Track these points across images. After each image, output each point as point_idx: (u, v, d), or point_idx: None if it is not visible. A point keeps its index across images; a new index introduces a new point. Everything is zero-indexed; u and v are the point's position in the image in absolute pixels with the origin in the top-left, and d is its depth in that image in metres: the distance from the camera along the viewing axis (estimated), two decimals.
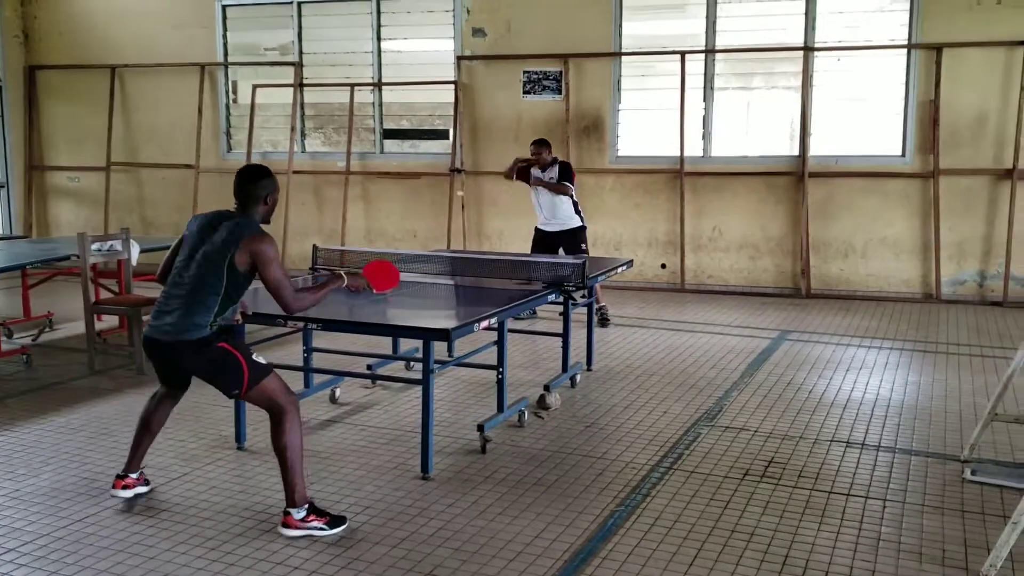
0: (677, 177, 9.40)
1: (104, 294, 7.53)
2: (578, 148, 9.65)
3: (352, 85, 10.31)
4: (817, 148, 9.07)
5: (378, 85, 10.37)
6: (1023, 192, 8.48)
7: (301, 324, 4.30)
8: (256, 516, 3.76)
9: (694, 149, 9.43)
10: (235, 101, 11.03)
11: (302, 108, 10.73)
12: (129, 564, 3.34)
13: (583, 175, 7.67)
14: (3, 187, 11.29)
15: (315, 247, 5.61)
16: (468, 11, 9.85)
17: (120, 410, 5.26)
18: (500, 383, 4.81)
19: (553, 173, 7.48)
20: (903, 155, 8.88)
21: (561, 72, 9.62)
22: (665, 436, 4.78)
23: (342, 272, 3.95)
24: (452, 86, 10.00)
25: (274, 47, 10.97)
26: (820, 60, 9.04)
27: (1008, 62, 8.43)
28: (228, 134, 11.02)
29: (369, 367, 5.75)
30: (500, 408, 4.84)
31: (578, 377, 5.85)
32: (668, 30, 9.90)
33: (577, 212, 7.57)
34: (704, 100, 9.39)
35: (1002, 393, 4.33)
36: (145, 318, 5.39)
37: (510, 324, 5.40)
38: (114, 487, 3.90)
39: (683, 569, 3.31)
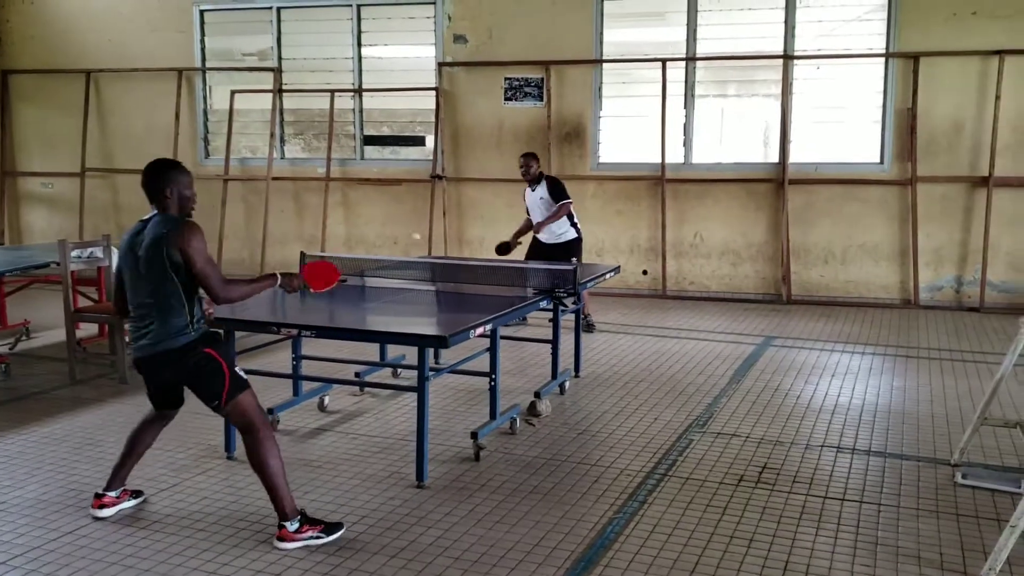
0: (658, 184, 9.44)
1: (83, 302, 7.39)
2: (560, 155, 9.67)
3: (332, 91, 10.26)
4: (797, 155, 9.15)
5: (358, 91, 10.32)
6: (999, 199, 8.60)
7: (295, 332, 4.26)
8: (251, 527, 3.71)
9: (675, 156, 9.48)
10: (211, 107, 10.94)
11: (281, 114, 10.64)
12: None
13: (564, 182, 7.67)
14: None
15: (303, 254, 5.55)
16: (450, 17, 9.84)
17: (104, 420, 5.17)
18: (493, 390, 4.79)
19: (543, 192, 7.44)
20: (881, 163, 8.98)
21: (543, 79, 9.63)
22: (658, 443, 4.78)
23: (277, 273, 3.92)
24: (433, 92, 9.98)
25: (253, 52, 10.88)
26: (799, 68, 9.13)
27: (983, 71, 8.55)
28: (206, 140, 10.89)
29: (357, 374, 5.71)
30: (493, 415, 4.81)
31: (567, 384, 5.84)
32: (649, 38, 9.97)
33: (573, 224, 7.55)
34: (685, 107, 9.44)
35: (991, 398, 4.37)
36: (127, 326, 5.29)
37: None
38: (92, 507, 3.82)
39: None
